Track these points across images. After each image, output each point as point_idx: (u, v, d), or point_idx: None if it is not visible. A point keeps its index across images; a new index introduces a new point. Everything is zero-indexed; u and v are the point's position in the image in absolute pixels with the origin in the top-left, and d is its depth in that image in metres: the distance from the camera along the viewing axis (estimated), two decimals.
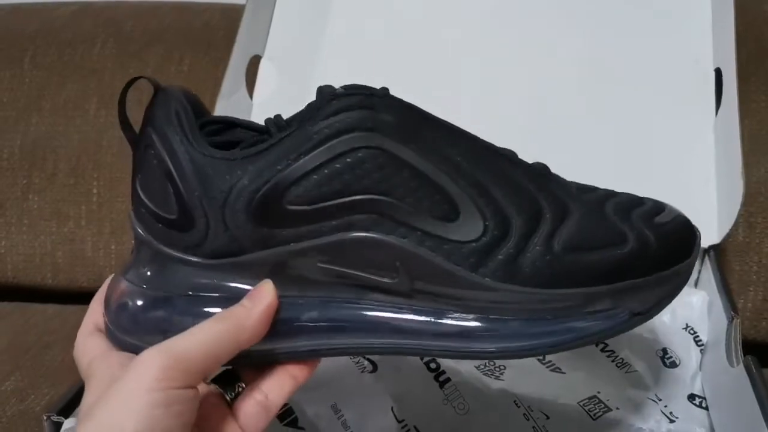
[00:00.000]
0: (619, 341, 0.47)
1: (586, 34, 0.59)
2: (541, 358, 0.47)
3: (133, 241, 0.32)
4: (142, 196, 0.31)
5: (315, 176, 0.29)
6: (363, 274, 0.30)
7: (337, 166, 0.29)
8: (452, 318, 0.31)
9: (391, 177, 0.29)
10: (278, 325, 0.30)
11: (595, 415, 0.43)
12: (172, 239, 0.31)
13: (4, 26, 0.78)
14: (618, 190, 0.34)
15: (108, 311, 0.32)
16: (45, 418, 0.37)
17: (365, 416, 0.43)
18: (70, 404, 0.38)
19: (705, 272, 0.51)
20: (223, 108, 0.57)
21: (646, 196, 0.35)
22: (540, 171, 0.33)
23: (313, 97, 0.31)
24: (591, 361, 0.47)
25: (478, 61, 0.59)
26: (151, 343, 0.28)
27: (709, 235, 0.50)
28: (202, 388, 0.31)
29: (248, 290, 0.30)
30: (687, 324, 0.48)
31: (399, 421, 0.43)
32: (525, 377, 0.45)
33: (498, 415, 0.43)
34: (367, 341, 0.31)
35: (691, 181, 0.53)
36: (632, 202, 0.33)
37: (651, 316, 0.32)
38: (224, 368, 0.32)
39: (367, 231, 0.29)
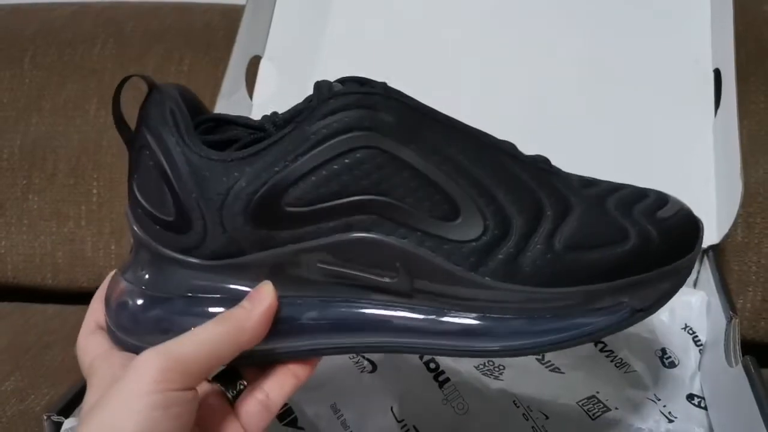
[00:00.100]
0: (618, 341, 0.47)
1: (586, 34, 0.59)
2: (540, 357, 0.47)
3: (132, 241, 0.32)
4: (139, 197, 0.31)
5: (313, 177, 0.29)
6: (363, 275, 0.30)
7: (335, 167, 0.28)
8: (454, 316, 0.30)
9: (391, 177, 0.29)
10: (278, 325, 0.30)
11: (594, 415, 0.43)
12: (169, 241, 0.30)
13: (4, 26, 0.78)
14: None
15: (108, 310, 0.32)
16: (45, 418, 0.37)
17: (365, 416, 0.43)
18: (70, 404, 0.38)
19: (704, 272, 0.51)
20: (223, 108, 0.57)
21: (650, 188, 0.34)
22: (541, 165, 0.32)
23: None
24: (590, 361, 0.47)
25: (478, 61, 0.59)
26: (152, 343, 0.28)
27: (708, 236, 0.50)
28: (204, 386, 0.31)
29: (248, 291, 0.30)
30: (686, 324, 0.48)
31: (398, 421, 0.43)
32: (524, 377, 0.45)
33: (497, 414, 0.43)
34: (368, 340, 0.31)
35: (691, 181, 0.53)
36: (635, 195, 0.33)
37: (653, 312, 0.32)
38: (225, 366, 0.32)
39: (366, 232, 0.29)
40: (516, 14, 0.61)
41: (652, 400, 0.44)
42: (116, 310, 0.31)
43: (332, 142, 0.28)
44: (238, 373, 0.32)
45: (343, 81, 0.31)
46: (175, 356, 0.27)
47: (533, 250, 0.30)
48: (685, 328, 0.48)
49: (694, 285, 0.52)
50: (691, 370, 0.46)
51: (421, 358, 0.45)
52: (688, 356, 0.47)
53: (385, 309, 0.31)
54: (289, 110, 0.32)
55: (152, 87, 0.31)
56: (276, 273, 0.30)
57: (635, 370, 0.46)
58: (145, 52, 0.74)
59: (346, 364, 0.45)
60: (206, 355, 0.28)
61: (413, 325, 0.31)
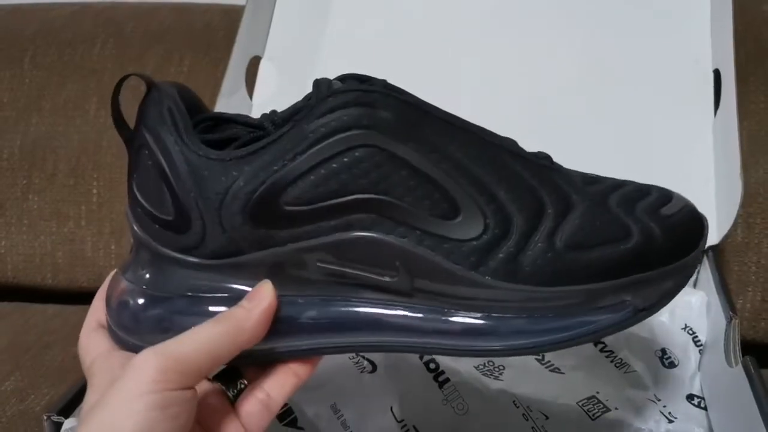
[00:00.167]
0: (618, 341, 0.47)
1: (586, 34, 0.59)
2: (540, 358, 0.47)
3: (132, 240, 0.32)
4: (139, 197, 0.31)
5: (312, 176, 0.28)
6: (363, 274, 0.30)
7: (334, 165, 0.28)
8: (454, 316, 0.30)
9: (390, 176, 0.29)
10: (278, 324, 0.30)
11: (594, 415, 0.43)
12: (169, 240, 0.30)
13: (4, 26, 0.78)
14: None
15: (109, 310, 0.32)
16: (45, 418, 0.37)
17: (365, 416, 0.43)
18: (70, 404, 0.38)
19: (704, 272, 0.51)
20: (223, 109, 0.57)
21: (654, 185, 0.34)
22: (543, 161, 0.32)
23: None
24: (590, 362, 0.47)
25: (478, 61, 0.59)
26: (153, 343, 0.28)
27: (709, 236, 0.50)
28: (204, 386, 0.31)
29: (248, 291, 0.30)
30: (686, 324, 0.48)
31: (398, 421, 0.43)
32: (524, 377, 0.45)
33: (497, 415, 0.43)
34: (368, 339, 0.31)
35: (690, 181, 0.53)
36: (638, 192, 0.33)
37: (656, 311, 0.31)
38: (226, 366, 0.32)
39: (366, 231, 0.29)
40: (516, 14, 0.61)
41: (652, 401, 0.44)
42: (117, 309, 0.31)
43: (330, 140, 0.28)
44: (238, 372, 0.32)
45: (343, 78, 0.30)
46: (174, 356, 0.27)
47: (534, 249, 0.30)
48: (685, 329, 0.48)
49: (694, 285, 0.52)
50: (691, 370, 0.46)
51: (421, 358, 0.45)
52: (688, 356, 0.47)
53: (385, 308, 0.31)
54: (288, 108, 0.32)
55: (150, 86, 0.30)
56: (275, 272, 0.30)
57: (635, 371, 0.46)
58: (144, 52, 0.74)
59: (346, 364, 0.45)
60: (205, 354, 0.28)
61: (413, 325, 0.30)
